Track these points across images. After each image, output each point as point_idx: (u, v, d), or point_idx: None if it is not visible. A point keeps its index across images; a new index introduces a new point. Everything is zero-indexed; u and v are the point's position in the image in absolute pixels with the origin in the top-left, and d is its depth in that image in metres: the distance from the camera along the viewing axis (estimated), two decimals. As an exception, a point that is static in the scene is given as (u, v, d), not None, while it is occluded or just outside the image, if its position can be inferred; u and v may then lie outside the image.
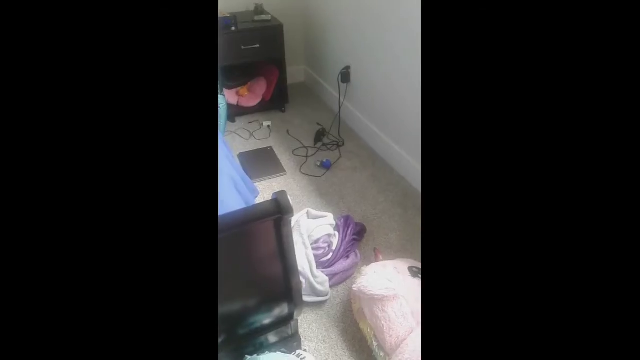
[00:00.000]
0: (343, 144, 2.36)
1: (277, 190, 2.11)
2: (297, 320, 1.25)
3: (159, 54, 0.51)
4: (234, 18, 2.32)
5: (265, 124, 2.53)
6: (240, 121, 2.58)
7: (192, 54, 0.52)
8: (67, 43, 0.48)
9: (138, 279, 0.49)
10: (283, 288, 1.10)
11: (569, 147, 0.48)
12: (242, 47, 2.34)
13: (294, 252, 1.03)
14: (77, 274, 0.48)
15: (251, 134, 2.47)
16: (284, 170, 2.18)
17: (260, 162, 2.23)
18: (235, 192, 1.09)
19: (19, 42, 0.47)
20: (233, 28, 2.31)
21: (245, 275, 1.07)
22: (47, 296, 0.47)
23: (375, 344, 1.26)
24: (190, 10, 0.52)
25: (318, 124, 2.51)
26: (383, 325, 1.23)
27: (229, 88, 2.55)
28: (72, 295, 0.48)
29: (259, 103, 2.63)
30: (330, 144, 2.37)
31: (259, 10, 2.46)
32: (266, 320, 1.19)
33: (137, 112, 0.51)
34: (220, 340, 1.13)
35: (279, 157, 2.27)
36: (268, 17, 2.43)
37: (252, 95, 2.64)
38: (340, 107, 2.45)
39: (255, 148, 2.35)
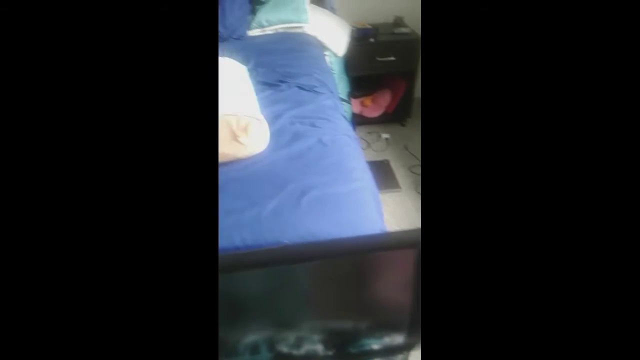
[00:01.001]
0: (464, 170, 2.22)
1: (391, 205, 2.08)
2: (408, 353, 1.19)
3: (156, 55, 0.50)
4: (375, 30, 2.33)
5: (384, 136, 2.50)
6: (360, 131, 2.59)
7: (191, 59, 0.51)
8: (70, 34, 0.49)
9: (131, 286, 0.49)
10: (405, 319, 1.05)
11: (566, 151, 0.48)
12: (377, 59, 2.34)
13: (427, 287, 0.97)
14: (75, 276, 0.48)
15: (369, 145, 2.46)
16: (399, 186, 2.13)
17: (375, 174, 2.20)
18: (374, 206, 1.07)
19: (17, 43, 0.47)
20: (372, 39, 2.32)
21: (367, 298, 1.04)
22: (47, 301, 0.47)
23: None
24: (190, 12, 0.50)
25: (439, 143, 2.40)
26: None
27: (355, 97, 2.57)
28: (70, 291, 0.48)
29: (381, 115, 2.61)
30: (450, 167, 2.24)
31: (398, 22, 2.43)
32: (375, 345, 1.15)
33: (136, 114, 0.50)
34: (330, 353, 1.12)
35: (395, 171, 2.22)
36: (407, 30, 2.39)
37: (375, 106, 2.63)
38: (466, 130, 2.31)
39: (372, 159, 2.33)
